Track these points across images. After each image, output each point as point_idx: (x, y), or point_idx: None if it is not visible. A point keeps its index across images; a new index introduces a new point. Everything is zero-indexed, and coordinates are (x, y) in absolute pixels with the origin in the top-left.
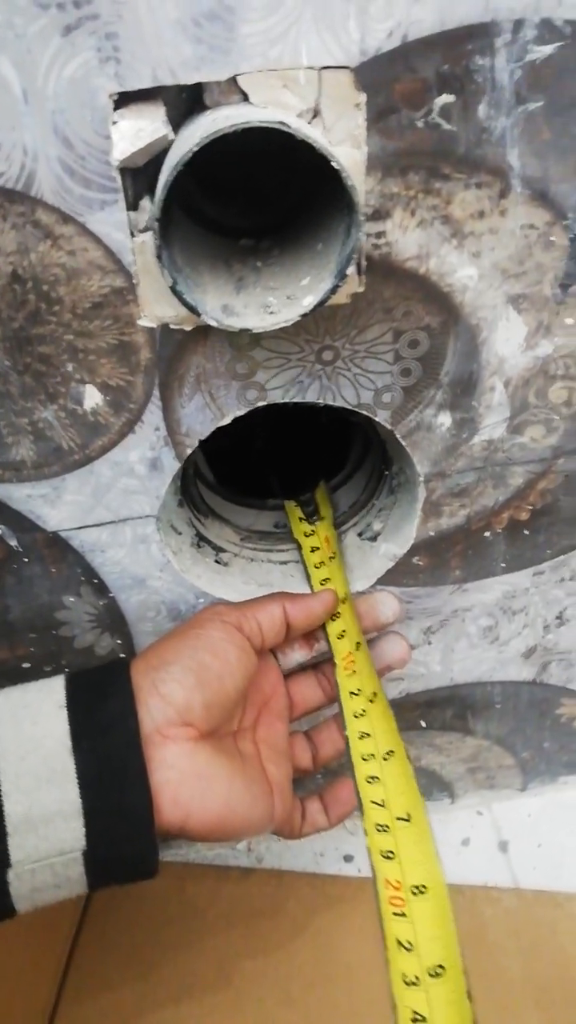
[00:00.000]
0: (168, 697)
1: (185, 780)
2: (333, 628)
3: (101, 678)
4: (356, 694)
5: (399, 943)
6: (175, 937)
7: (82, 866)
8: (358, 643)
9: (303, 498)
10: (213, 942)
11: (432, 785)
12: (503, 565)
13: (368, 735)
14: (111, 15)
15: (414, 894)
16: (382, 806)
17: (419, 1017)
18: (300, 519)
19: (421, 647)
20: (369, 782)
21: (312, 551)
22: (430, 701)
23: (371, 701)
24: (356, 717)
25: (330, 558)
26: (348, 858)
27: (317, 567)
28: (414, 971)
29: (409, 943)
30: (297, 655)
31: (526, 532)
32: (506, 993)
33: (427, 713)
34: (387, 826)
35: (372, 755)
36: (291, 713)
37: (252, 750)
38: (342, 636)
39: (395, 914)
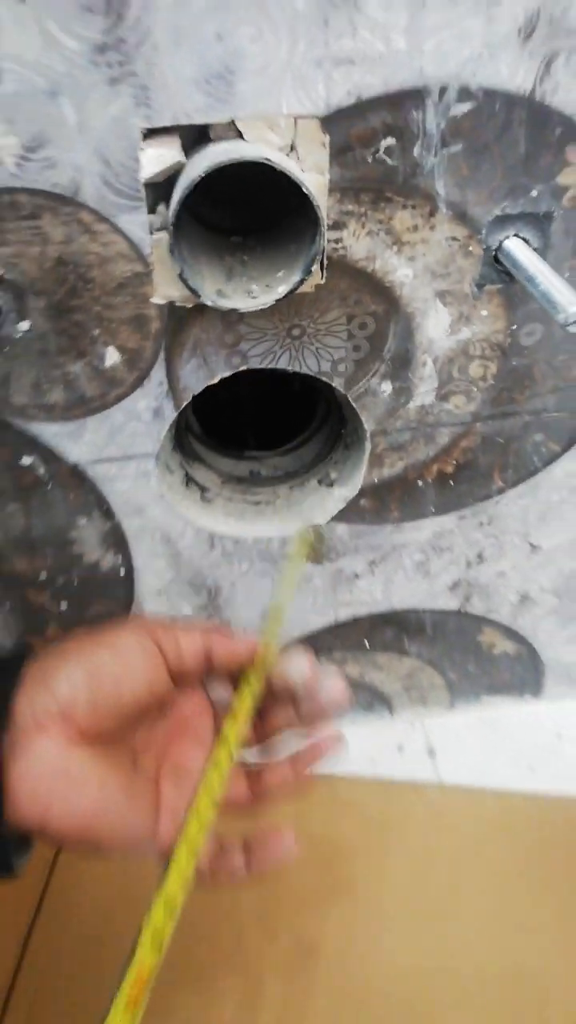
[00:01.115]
0: (52, 688)
1: (50, 774)
2: (253, 673)
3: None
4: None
5: None
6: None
7: None
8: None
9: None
10: None
11: (373, 699)
12: (432, 509)
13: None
14: (145, 73)
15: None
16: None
17: None
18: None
19: (366, 577)
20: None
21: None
22: (372, 624)
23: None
24: (214, 766)
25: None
26: None
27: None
28: None
29: None
30: (220, 691)
31: (451, 483)
32: (427, 863)
33: (370, 635)
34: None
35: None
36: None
37: (150, 766)
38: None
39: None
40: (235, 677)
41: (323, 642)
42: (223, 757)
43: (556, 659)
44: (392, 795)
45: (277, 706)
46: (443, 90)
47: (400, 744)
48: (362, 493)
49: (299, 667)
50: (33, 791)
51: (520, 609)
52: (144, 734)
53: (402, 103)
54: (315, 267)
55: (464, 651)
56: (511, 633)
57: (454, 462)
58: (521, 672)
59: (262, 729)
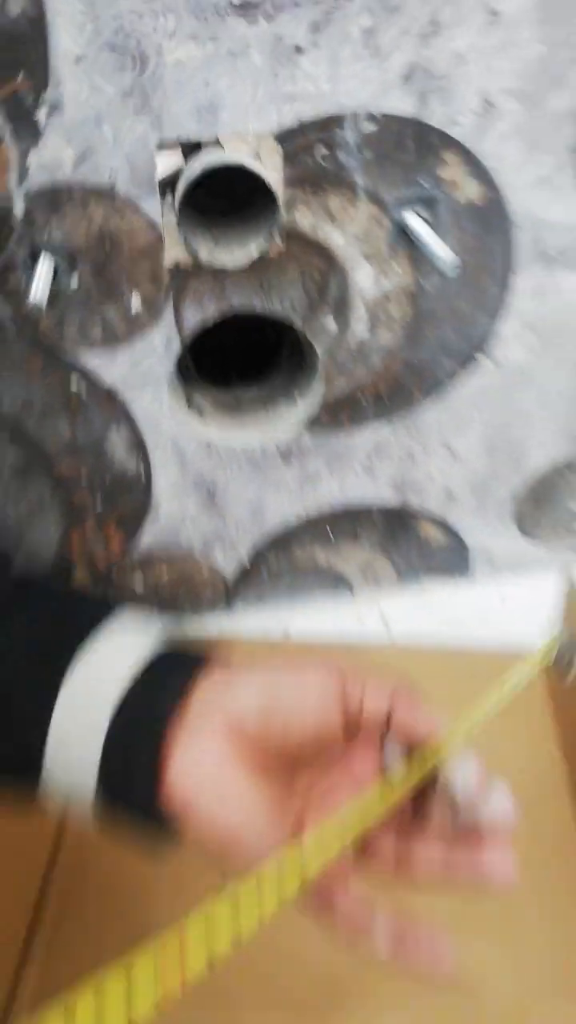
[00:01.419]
0: (228, 698)
1: (204, 777)
2: (424, 755)
3: (196, 652)
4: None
5: None
6: None
7: (94, 784)
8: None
9: None
10: None
11: (338, 583)
12: (372, 420)
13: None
14: (159, 108)
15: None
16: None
17: None
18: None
19: (326, 478)
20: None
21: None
22: (334, 518)
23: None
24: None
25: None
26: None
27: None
28: None
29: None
30: (392, 757)
31: (384, 399)
32: None
33: (333, 527)
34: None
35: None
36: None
37: (300, 807)
38: (420, 767)
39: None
40: (409, 749)
41: (295, 534)
42: (360, 812)
43: (478, 546)
44: (355, 653)
45: (434, 805)
46: (355, 116)
47: (360, 617)
48: (320, 409)
49: (467, 773)
50: (184, 786)
51: (447, 505)
52: (304, 775)
53: (329, 125)
54: (276, 236)
55: (407, 542)
56: (442, 525)
57: (385, 382)
58: (453, 558)
59: (412, 824)
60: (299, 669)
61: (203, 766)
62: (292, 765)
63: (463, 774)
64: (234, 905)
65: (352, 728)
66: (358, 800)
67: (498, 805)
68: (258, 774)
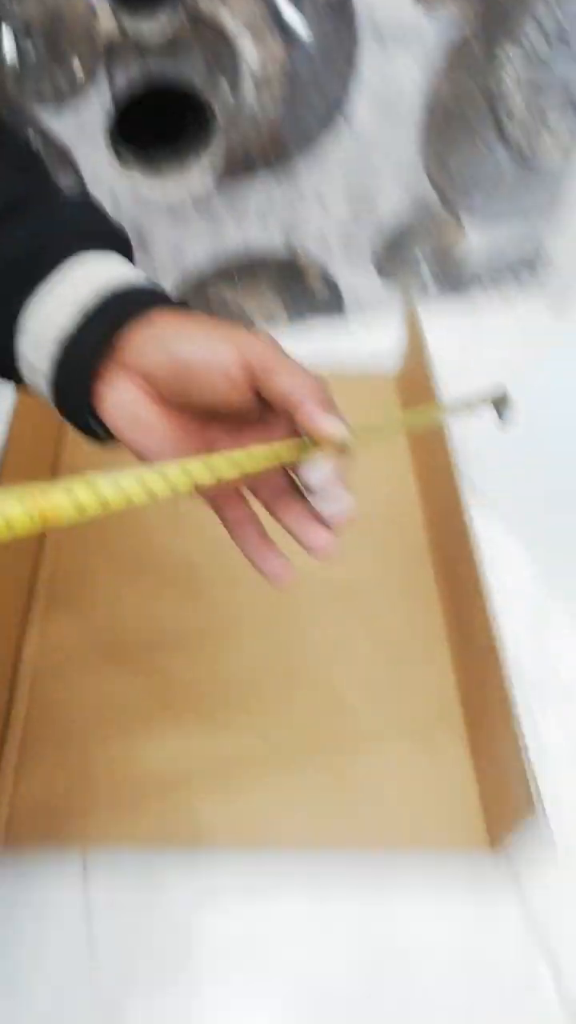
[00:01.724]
0: (143, 353)
1: (127, 405)
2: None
3: (151, 293)
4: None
5: None
6: None
7: (50, 393)
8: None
9: None
10: None
11: (242, 318)
12: (261, 173)
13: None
14: None
15: None
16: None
17: None
18: None
19: (232, 229)
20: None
21: None
22: (240, 265)
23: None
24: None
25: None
26: None
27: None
28: None
29: None
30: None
31: (271, 160)
32: None
33: (238, 272)
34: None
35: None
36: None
37: (210, 445)
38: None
39: None
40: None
41: (207, 277)
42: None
43: (348, 288)
44: None
45: (302, 486)
46: None
47: None
48: (223, 168)
49: (324, 471)
50: (112, 417)
51: (324, 251)
52: (221, 433)
53: None
54: (182, 14)
55: (297, 290)
56: (323, 276)
57: (272, 143)
58: (331, 302)
59: (285, 490)
60: (205, 338)
61: (124, 405)
62: (208, 419)
63: (320, 471)
64: (138, 480)
65: (264, 403)
66: (257, 449)
67: (336, 504)
68: (172, 418)
